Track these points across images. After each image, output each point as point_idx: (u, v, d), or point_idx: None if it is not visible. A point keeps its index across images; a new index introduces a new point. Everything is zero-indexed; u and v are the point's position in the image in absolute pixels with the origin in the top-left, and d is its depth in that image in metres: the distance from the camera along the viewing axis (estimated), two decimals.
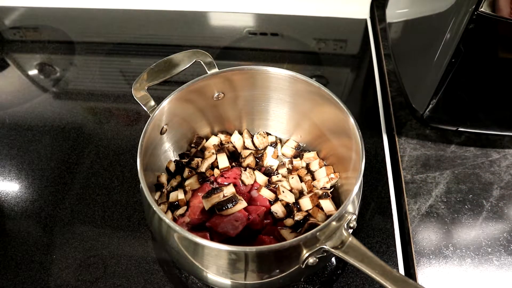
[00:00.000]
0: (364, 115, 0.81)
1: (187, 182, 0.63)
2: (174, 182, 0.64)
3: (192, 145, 0.69)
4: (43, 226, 0.65)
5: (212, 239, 0.57)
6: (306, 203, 0.60)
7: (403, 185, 0.68)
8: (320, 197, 0.61)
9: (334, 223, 0.46)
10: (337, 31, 1.01)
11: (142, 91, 0.58)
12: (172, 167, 0.65)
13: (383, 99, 0.83)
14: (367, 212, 0.65)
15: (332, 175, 0.64)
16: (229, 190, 0.59)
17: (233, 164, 0.67)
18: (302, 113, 0.66)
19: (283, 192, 0.61)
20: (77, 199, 0.68)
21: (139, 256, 0.61)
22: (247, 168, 0.65)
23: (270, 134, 0.72)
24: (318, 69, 0.91)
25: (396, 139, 0.74)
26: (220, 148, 0.68)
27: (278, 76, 0.61)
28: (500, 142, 0.73)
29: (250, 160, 0.66)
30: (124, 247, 0.62)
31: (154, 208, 0.46)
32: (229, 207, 0.56)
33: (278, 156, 0.69)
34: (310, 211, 0.60)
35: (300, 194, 0.64)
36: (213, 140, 0.69)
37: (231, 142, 0.70)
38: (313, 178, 0.65)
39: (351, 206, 0.50)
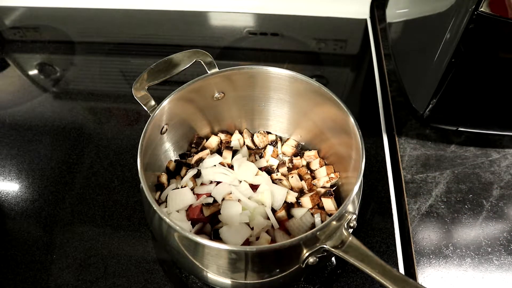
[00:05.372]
0: (364, 115, 0.81)
1: (183, 180, 0.63)
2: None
3: (192, 145, 0.69)
4: (43, 226, 0.65)
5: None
6: (306, 202, 0.60)
7: (403, 185, 0.68)
8: (323, 194, 0.61)
9: (334, 222, 0.46)
10: (337, 31, 1.01)
11: (142, 91, 0.58)
12: (172, 166, 0.65)
13: (383, 99, 0.83)
14: (367, 212, 0.66)
15: (332, 175, 0.64)
16: None
17: None
18: (302, 113, 0.66)
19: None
20: (77, 199, 0.68)
21: (139, 256, 0.61)
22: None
23: (270, 133, 0.72)
24: (318, 69, 0.91)
25: (396, 139, 0.74)
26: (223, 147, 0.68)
27: (278, 76, 0.61)
28: (500, 142, 0.73)
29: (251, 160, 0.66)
30: (124, 247, 0.62)
31: (155, 208, 0.46)
32: None
33: (278, 155, 0.69)
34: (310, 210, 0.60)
35: (301, 192, 0.64)
36: (214, 140, 0.69)
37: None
38: (313, 177, 0.65)
39: (351, 206, 0.51)
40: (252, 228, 0.57)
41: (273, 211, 0.60)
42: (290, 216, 0.60)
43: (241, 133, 0.71)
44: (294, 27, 1.01)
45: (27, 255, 0.61)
